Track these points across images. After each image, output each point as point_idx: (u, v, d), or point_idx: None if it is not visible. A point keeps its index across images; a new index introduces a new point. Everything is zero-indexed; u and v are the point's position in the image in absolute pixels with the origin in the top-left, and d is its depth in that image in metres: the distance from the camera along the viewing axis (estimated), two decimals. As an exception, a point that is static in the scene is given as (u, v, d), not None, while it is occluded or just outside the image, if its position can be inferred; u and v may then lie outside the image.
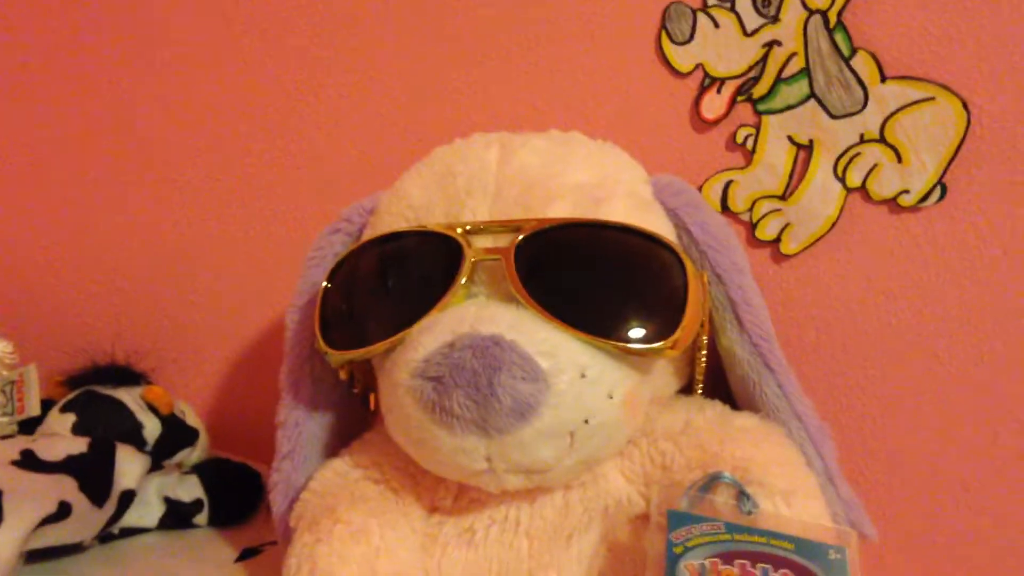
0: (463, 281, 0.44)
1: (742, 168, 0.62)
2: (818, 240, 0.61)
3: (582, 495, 0.47)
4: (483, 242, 0.45)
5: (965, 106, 0.56)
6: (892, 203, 0.59)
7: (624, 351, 0.43)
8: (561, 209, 0.46)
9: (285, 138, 0.78)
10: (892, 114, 0.58)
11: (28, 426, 0.64)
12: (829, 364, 0.61)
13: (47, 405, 0.64)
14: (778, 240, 0.62)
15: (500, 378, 0.40)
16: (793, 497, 0.43)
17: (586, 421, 0.42)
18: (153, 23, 0.82)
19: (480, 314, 0.42)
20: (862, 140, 0.59)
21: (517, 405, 0.40)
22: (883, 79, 0.58)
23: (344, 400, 0.54)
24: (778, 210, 0.61)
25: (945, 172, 0.57)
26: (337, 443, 0.54)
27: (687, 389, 0.51)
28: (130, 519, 0.61)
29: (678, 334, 0.43)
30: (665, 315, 0.44)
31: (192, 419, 0.69)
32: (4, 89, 0.89)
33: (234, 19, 0.79)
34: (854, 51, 0.58)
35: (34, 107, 0.88)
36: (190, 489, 0.65)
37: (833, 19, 0.58)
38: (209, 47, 0.80)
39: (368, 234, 0.51)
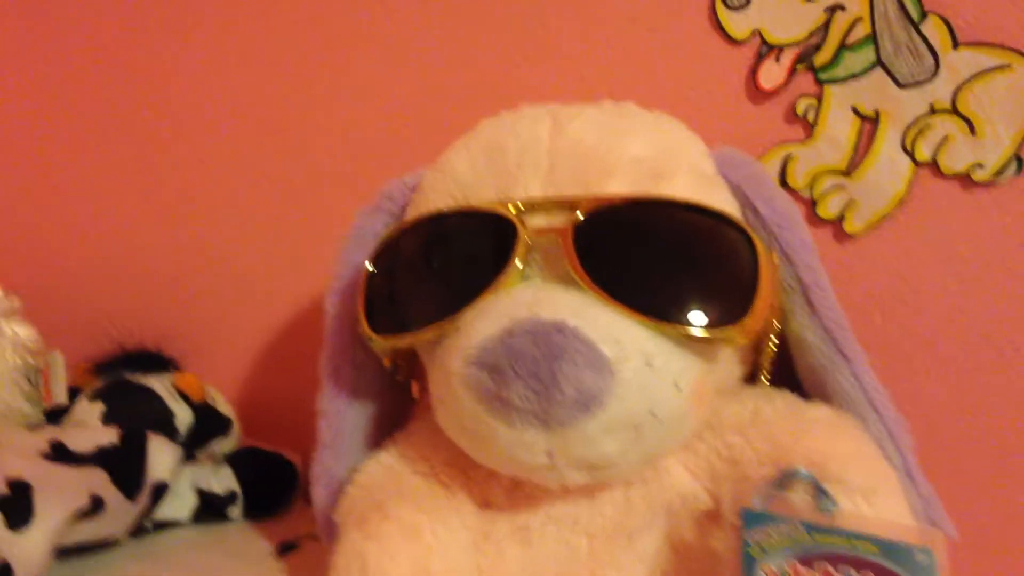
0: (518, 263, 0.41)
1: (802, 141, 0.59)
2: (884, 218, 0.57)
3: (644, 491, 0.44)
4: (537, 221, 0.42)
5: (1044, 74, 0.53)
6: (964, 178, 0.56)
7: (693, 338, 0.40)
8: (619, 185, 0.43)
9: (317, 113, 0.75)
10: (965, 83, 0.55)
11: (55, 415, 0.62)
12: (896, 351, 0.58)
13: (74, 393, 0.62)
14: (841, 218, 0.58)
15: (562, 367, 0.37)
16: (874, 495, 0.40)
17: (652, 413, 0.39)
18: (179, 10, 0.80)
19: (539, 298, 0.40)
20: (932, 111, 0.56)
21: (581, 396, 0.37)
22: (955, 45, 0.55)
23: (387, 388, 0.52)
24: (841, 186, 0.58)
25: (1022, 144, 0.54)
26: (380, 433, 0.52)
27: (750, 377, 0.49)
28: (163, 512, 0.60)
29: (750, 318, 0.40)
30: (735, 299, 0.41)
31: (223, 406, 0.67)
32: (31, 72, 0.87)
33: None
34: (924, 15, 0.55)
35: (60, 89, 0.86)
36: (223, 480, 0.63)
37: (902, -19, 0.55)
38: (236, 20, 0.77)
39: (412, 212, 0.49)
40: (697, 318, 0.40)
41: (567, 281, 0.41)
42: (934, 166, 0.56)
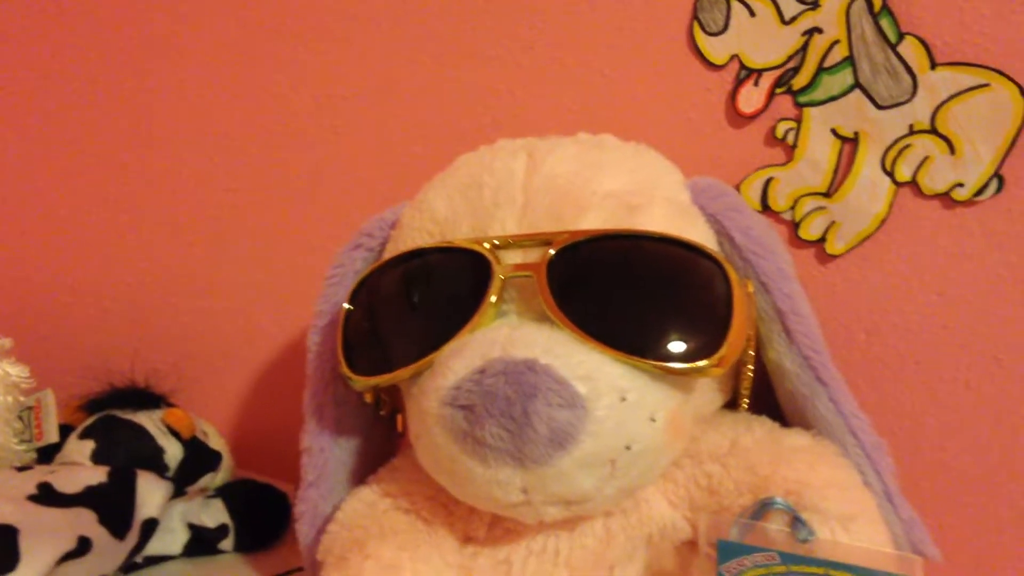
0: (492, 300, 0.42)
1: (783, 164, 0.59)
2: (866, 239, 0.58)
3: (624, 523, 0.44)
4: (513, 257, 0.43)
5: (1022, 92, 0.53)
6: (945, 197, 0.56)
7: (667, 371, 0.40)
8: (594, 220, 0.43)
9: (300, 150, 0.76)
10: (944, 103, 0.55)
11: (47, 453, 0.62)
12: (880, 371, 0.58)
13: (65, 431, 0.63)
14: (823, 240, 0.59)
15: (535, 406, 0.37)
16: (852, 523, 0.40)
17: (628, 448, 0.39)
18: (171, 47, 0.80)
19: (512, 336, 0.40)
20: (912, 131, 0.56)
21: (554, 434, 0.37)
22: (933, 65, 0.55)
23: (370, 423, 0.52)
24: (823, 208, 0.58)
25: (1002, 163, 0.54)
26: (364, 469, 0.52)
27: (730, 404, 0.49)
28: (154, 547, 0.60)
29: (724, 350, 0.40)
30: (710, 330, 0.41)
31: (215, 440, 0.67)
32: (16, 106, 0.87)
33: (246, 28, 0.76)
34: (901, 36, 0.55)
35: (48, 125, 0.87)
36: (215, 514, 0.63)
37: (878, 3, 0.55)
38: (220, 59, 0.78)
39: (390, 250, 0.49)
40: (671, 352, 0.40)
41: (542, 317, 0.41)
42: (915, 186, 0.56)
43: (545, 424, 0.37)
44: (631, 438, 0.39)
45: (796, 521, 0.40)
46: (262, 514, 0.65)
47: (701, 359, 0.40)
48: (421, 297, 0.45)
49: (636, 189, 0.45)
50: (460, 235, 0.45)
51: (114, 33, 0.82)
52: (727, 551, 0.39)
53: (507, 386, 0.37)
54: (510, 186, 0.45)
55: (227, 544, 0.63)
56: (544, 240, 0.42)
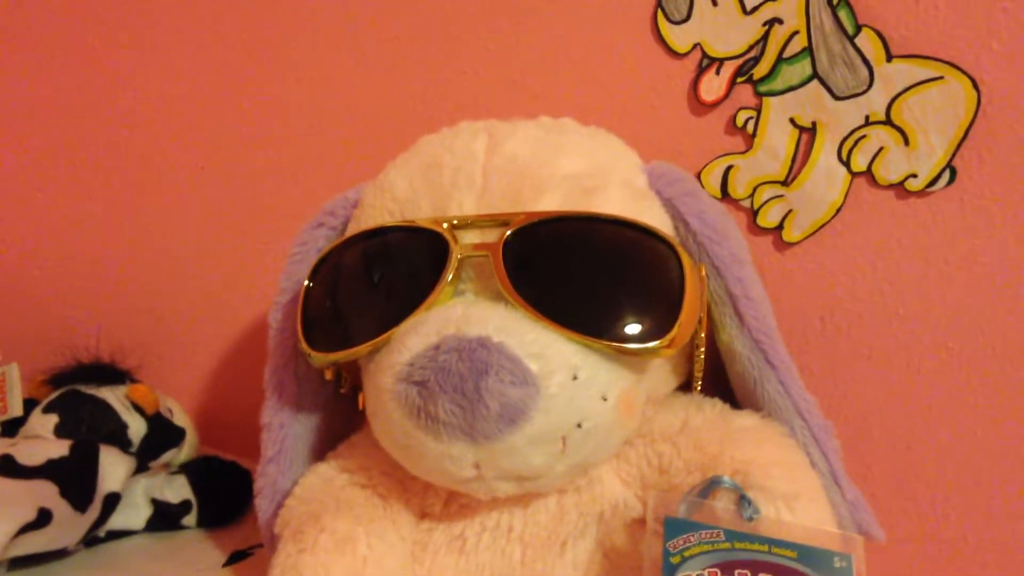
0: (449, 279, 0.42)
1: (742, 152, 0.60)
2: (822, 227, 0.59)
3: (577, 500, 0.46)
4: (470, 237, 0.43)
5: (975, 85, 0.54)
6: (899, 188, 0.57)
7: (618, 351, 0.41)
8: (551, 201, 0.44)
9: (268, 130, 0.76)
10: (899, 94, 0.56)
11: (11, 427, 0.63)
12: (834, 355, 0.59)
13: (30, 405, 0.63)
14: (780, 227, 0.60)
15: (487, 382, 0.38)
16: (796, 501, 0.41)
17: (579, 425, 0.40)
18: (137, 20, 0.80)
19: (467, 314, 0.41)
20: (867, 122, 0.57)
21: (505, 410, 0.38)
22: (889, 58, 0.56)
23: (331, 401, 0.53)
24: (780, 196, 0.59)
25: (954, 155, 0.55)
26: (324, 445, 0.53)
27: (685, 386, 0.50)
28: (116, 521, 0.60)
29: (675, 332, 0.41)
30: (661, 312, 0.42)
31: (179, 417, 0.67)
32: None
33: (217, 10, 0.76)
34: (858, 28, 0.56)
35: (14, 99, 0.86)
36: (178, 490, 0.63)
37: (836, -5, 0.56)
38: (190, 40, 0.78)
39: (352, 228, 0.50)
40: (622, 333, 0.41)
41: (498, 297, 0.42)
42: (870, 176, 0.57)
43: (496, 400, 0.38)
44: (582, 416, 0.40)
45: (742, 499, 0.41)
46: (225, 491, 0.65)
47: (652, 340, 0.41)
48: (380, 275, 0.46)
49: (593, 172, 0.46)
50: (420, 215, 0.46)
51: (97, 16, 0.82)
52: (674, 528, 0.40)
53: (460, 362, 0.38)
54: (470, 167, 0.46)
55: (190, 520, 0.64)
56: (501, 221, 0.43)
